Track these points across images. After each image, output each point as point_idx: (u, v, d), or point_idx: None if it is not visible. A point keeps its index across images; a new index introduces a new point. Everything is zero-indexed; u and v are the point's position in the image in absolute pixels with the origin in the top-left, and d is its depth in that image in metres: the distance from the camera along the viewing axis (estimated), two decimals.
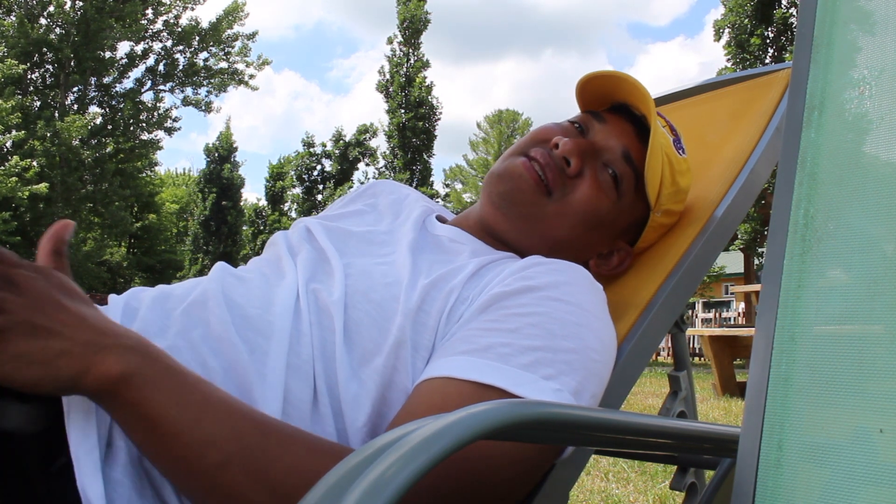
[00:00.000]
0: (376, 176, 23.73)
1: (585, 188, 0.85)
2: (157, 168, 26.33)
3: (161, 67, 21.61)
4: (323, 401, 0.66)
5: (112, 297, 0.73)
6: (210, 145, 26.36)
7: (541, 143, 0.88)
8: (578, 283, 0.73)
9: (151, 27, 21.11)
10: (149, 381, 0.53)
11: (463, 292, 0.72)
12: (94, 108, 19.85)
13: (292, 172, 25.51)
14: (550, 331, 0.66)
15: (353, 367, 0.67)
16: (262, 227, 26.02)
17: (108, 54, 20.03)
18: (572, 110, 0.99)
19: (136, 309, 0.70)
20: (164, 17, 21.29)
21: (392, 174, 23.16)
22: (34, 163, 17.31)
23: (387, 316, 0.71)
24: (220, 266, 0.79)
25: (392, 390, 0.68)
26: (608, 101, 0.94)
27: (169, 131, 21.77)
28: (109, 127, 20.36)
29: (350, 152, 24.64)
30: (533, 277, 0.71)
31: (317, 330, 0.69)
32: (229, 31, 22.17)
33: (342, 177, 24.80)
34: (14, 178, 16.04)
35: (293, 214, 26.08)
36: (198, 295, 0.71)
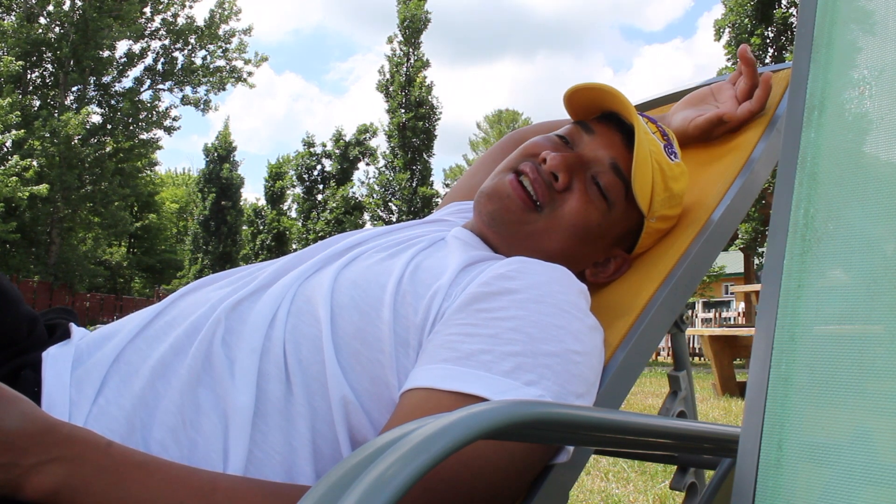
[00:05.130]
0: (377, 176, 23.70)
1: (574, 202, 0.86)
2: (157, 168, 26.34)
3: (160, 66, 21.61)
4: (295, 381, 0.68)
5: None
6: (209, 145, 26.31)
7: (530, 158, 0.88)
8: (558, 284, 0.73)
9: (149, 25, 21.11)
10: (79, 489, 0.54)
11: (450, 289, 0.73)
12: (92, 108, 19.81)
13: (292, 172, 25.48)
14: (530, 335, 0.67)
15: (335, 350, 0.69)
16: (261, 227, 25.99)
17: (106, 53, 20.02)
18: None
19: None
20: (162, 16, 21.29)
21: (392, 174, 23.14)
22: (34, 162, 17.29)
23: (371, 302, 0.72)
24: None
25: (376, 383, 0.69)
26: (597, 109, 0.94)
27: (168, 130, 21.76)
28: (109, 126, 20.35)
29: (350, 152, 24.62)
30: (512, 278, 0.72)
31: (293, 317, 0.72)
32: (225, 28, 22.18)
33: (342, 176, 24.78)
34: (14, 178, 16.02)
35: (293, 214, 26.08)
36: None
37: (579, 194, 0.86)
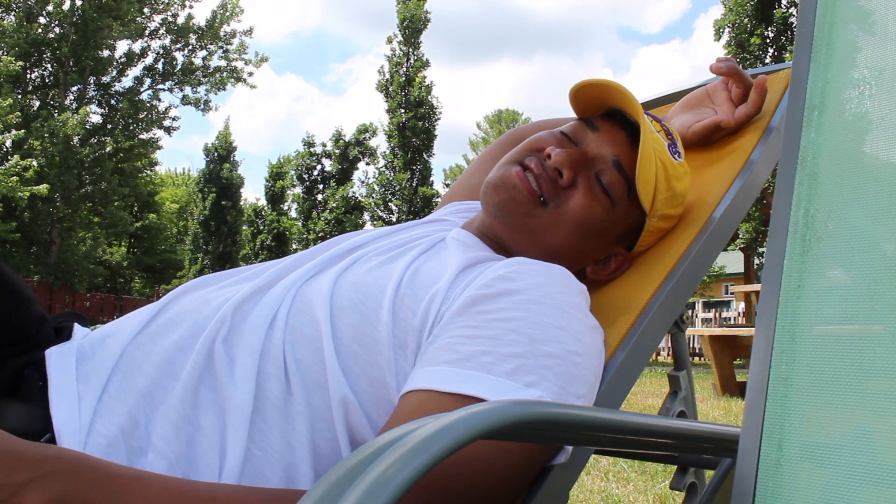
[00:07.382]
0: (377, 176, 23.68)
1: (579, 198, 0.86)
2: (157, 168, 26.32)
3: (160, 66, 21.61)
4: (294, 380, 0.68)
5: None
6: (209, 145, 26.28)
7: (535, 153, 0.88)
8: (557, 284, 0.73)
9: (149, 24, 21.09)
10: (78, 502, 0.52)
11: (449, 292, 0.73)
12: (92, 108, 19.80)
13: (292, 172, 25.47)
14: (530, 336, 0.67)
15: (336, 351, 0.69)
16: (261, 227, 25.97)
17: (106, 53, 20.01)
18: (568, 111, 0.99)
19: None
20: (162, 16, 21.28)
21: (392, 174, 23.13)
22: (34, 162, 17.28)
23: (370, 305, 0.72)
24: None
25: (374, 385, 0.69)
26: (603, 106, 0.94)
27: (168, 130, 21.76)
28: (108, 126, 20.34)
29: (350, 152, 24.60)
30: (512, 280, 0.72)
31: (293, 318, 0.73)
32: (226, 28, 22.18)
33: (342, 176, 24.77)
34: (14, 178, 16.01)
35: (293, 214, 26.07)
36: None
37: (583, 191, 0.86)
